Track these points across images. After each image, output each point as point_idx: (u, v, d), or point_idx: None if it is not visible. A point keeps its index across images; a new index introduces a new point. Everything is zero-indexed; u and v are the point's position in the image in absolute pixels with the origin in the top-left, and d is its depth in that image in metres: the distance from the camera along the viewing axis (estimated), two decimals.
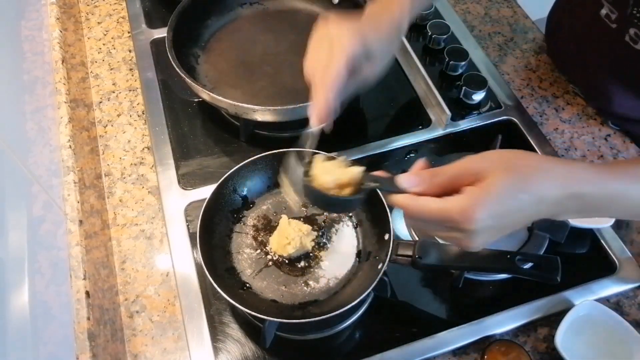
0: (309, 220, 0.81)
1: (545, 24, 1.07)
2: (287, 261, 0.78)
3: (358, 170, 0.59)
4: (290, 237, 0.76)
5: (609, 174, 0.53)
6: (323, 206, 0.67)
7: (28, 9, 0.91)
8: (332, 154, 0.79)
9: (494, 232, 0.52)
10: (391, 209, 0.74)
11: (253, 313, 0.67)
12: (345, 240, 0.80)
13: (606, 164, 0.75)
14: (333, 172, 0.61)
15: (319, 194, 0.60)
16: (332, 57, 0.61)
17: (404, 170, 0.79)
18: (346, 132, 0.93)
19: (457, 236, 0.51)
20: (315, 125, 0.63)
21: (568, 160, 0.77)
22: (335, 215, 0.82)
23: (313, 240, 0.78)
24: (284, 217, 0.78)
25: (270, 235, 0.79)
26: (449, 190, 0.52)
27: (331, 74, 0.61)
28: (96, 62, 1.06)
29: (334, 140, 0.82)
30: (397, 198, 0.54)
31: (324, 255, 0.78)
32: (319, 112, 0.63)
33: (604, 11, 0.77)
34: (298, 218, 0.80)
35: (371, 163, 0.91)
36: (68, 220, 0.74)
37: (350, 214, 0.82)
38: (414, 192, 0.53)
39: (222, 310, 0.77)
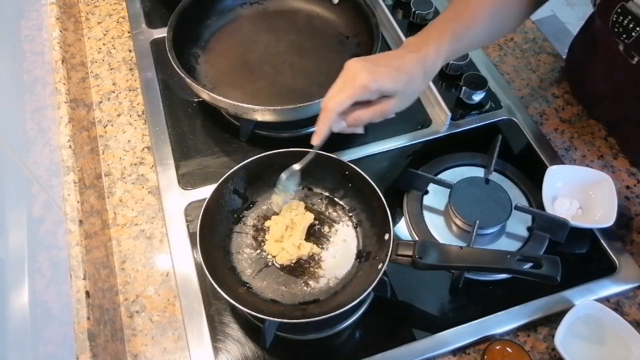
0: (310, 211, 0.81)
1: (566, 59, 1.04)
2: (287, 261, 0.78)
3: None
4: (285, 244, 0.77)
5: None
6: None
7: (28, 9, 0.91)
8: (331, 155, 0.80)
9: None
10: (391, 209, 0.74)
11: (253, 313, 0.67)
12: (345, 240, 0.80)
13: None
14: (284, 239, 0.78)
15: None
16: (341, 89, 0.67)
17: (403, 170, 0.80)
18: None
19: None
20: (316, 142, 0.70)
21: None
22: (335, 215, 0.82)
23: (311, 249, 0.79)
24: (273, 219, 0.79)
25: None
26: None
27: (334, 102, 0.67)
28: (96, 62, 1.06)
29: (335, 141, 0.82)
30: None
31: (324, 255, 0.79)
32: (317, 130, 0.69)
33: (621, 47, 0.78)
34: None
35: (371, 163, 0.91)
36: (68, 220, 0.74)
37: (350, 214, 0.82)
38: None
39: (222, 310, 0.77)
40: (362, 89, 0.66)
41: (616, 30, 0.75)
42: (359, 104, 0.68)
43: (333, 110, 0.66)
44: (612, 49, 0.79)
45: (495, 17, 0.76)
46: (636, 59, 0.76)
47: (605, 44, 0.83)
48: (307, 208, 0.82)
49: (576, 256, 0.81)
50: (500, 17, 0.77)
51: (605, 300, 0.78)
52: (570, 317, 0.73)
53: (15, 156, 0.66)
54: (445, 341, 0.74)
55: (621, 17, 0.73)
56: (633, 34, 0.73)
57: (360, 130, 0.71)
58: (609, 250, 0.81)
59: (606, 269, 0.80)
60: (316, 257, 0.78)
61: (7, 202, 0.63)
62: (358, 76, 0.66)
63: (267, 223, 0.81)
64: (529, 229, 0.82)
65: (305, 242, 0.78)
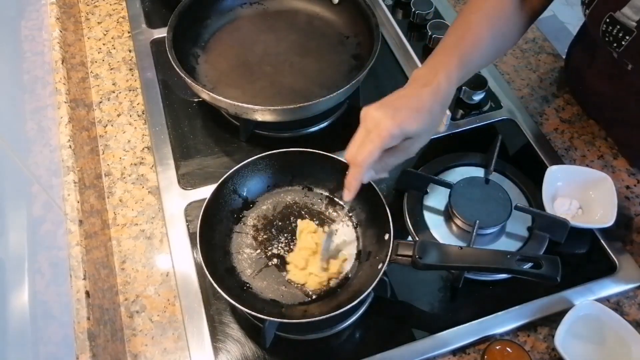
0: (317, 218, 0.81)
1: (565, 58, 1.04)
2: (287, 261, 0.78)
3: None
4: (311, 269, 0.76)
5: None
6: None
7: (28, 9, 0.91)
8: (331, 155, 0.80)
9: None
10: (391, 209, 0.74)
11: (253, 313, 0.67)
12: (345, 240, 0.80)
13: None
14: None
15: None
16: (367, 141, 0.64)
17: (403, 170, 0.79)
18: (346, 132, 0.92)
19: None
20: (347, 197, 0.68)
21: None
22: (335, 215, 0.82)
23: (341, 265, 0.77)
24: (296, 251, 0.78)
25: (269, 235, 0.80)
26: None
27: (363, 154, 0.64)
28: (96, 62, 1.06)
29: (334, 141, 0.82)
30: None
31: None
32: (349, 186, 0.67)
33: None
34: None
35: None
36: (68, 220, 0.74)
37: (350, 214, 0.82)
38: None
39: (222, 310, 0.77)
40: (389, 137, 0.63)
41: (607, 39, 0.75)
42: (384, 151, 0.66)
43: (364, 164, 0.64)
44: (608, 54, 0.79)
45: (497, 36, 0.76)
46: (630, 66, 0.76)
47: (602, 49, 0.84)
48: (307, 208, 0.82)
49: (576, 256, 0.81)
50: (502, 34, 0.77)
51: (605, 300, 0.78)
52: (570, 317, 0.73)
53: (15, 156, 0.66)
54: (445, 341, 0.74)
55: (610, 27, 0.73)
56: (623, 42, 0.73)
57: (386, 175, 0.70)
58: (609, 250, 0.81)
59: (606, 269, 0.80)
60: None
61: (7, 202, 0.63)
62: (382, 124, 0.63)
63: (289, 258, 0.78)
64: (529, 229, 0.82)
65: (332, 259, 0.77)
